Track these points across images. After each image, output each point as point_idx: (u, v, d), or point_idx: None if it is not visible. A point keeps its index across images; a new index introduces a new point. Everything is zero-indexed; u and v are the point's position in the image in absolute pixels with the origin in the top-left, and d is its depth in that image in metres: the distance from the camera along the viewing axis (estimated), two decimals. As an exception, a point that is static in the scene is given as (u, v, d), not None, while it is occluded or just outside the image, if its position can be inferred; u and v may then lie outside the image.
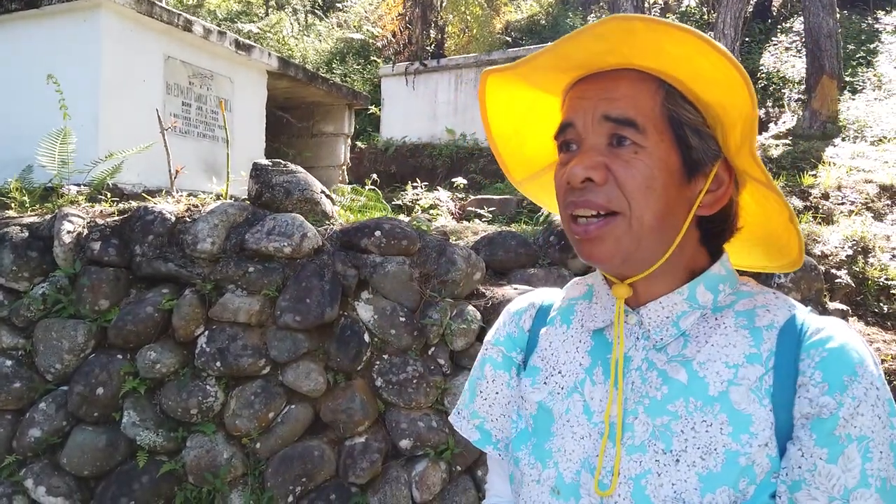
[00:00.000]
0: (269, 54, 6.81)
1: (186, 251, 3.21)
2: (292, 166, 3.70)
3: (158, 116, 4.49)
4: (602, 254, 0.79)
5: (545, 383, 0.90)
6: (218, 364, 2.99)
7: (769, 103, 9.64)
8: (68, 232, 3.28)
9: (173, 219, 3.34)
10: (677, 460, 0.75)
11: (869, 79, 9.32)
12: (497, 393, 0.97)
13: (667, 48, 0.74)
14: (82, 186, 4.30)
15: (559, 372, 0.89)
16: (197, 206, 3.50)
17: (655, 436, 0.77)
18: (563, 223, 0.84)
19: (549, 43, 0.80)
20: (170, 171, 4.32)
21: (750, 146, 0.78)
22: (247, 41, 6.59)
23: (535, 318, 0.98)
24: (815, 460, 0.70)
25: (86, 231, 3.33)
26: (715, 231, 0.86)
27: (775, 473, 0.73)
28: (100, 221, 3.40)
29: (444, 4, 11.42)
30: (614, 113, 0.78)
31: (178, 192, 3.97)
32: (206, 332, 3.06)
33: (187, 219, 3.35)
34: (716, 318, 0.82)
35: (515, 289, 3.56)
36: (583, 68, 0.82)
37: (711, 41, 0.71)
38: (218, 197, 3.96)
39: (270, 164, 3.64)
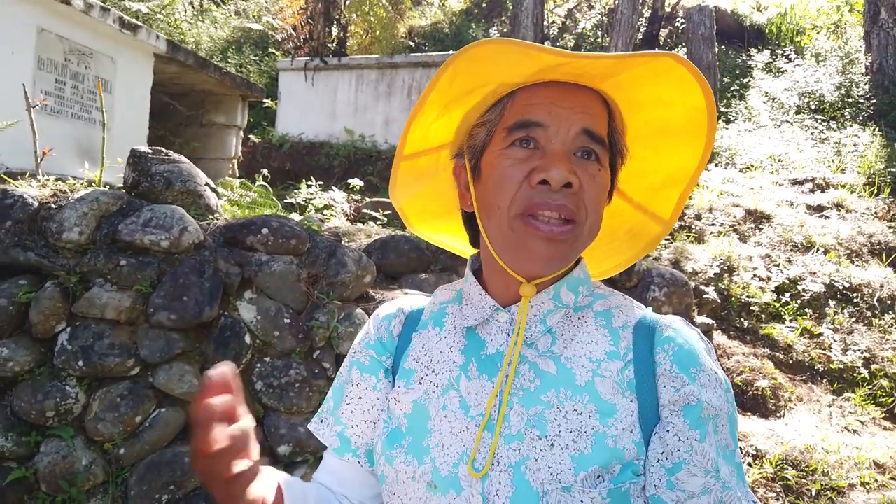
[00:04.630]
0: (158, 36, 6.44)
1: (50, 240, 2.96)
2: (175, 155, 3.50)
3: (25, 92, 4.11)
4: (556, 256, 0.82)
5: (420, 383, 0.91)
6: (80, 363, 2.76)
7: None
8: None
9: (36, 204, 3.06)
10: (552, 444, 0.80)
11: (741, 111, 10.09)
12: (360, 398, 0.97)
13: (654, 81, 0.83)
14: (-69, 163, 3.87)
15: (433, 371, 0.91)
16: (65, 192, 3.23)
17: (531, 423, 0.81)
18: (510, 219, 0.82)
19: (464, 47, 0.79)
20: (35, 152, 3.97)
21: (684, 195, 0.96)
22: (133, 20, 6.20)
23: (405, 323, 0.99)
24: (692, 442, 0.79)
25: (-69, 212, 2.99)
26: None
27: (639, 457, 0.79)
28: (-52, 203, 3.06)
29: (347, 3, 11.27)
30: (594, 129, 0.84)
31: (44, 175, 3.65)
32: (69, 329, 2.83)
33: (53, 205, 3.08)
34: (578, 318, 0.90)
35: (405, 293, 3.55)
36: (555, 74, 0.82)
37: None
38: (90, 183, 3.67)
39: (150, 151, 3.42)
